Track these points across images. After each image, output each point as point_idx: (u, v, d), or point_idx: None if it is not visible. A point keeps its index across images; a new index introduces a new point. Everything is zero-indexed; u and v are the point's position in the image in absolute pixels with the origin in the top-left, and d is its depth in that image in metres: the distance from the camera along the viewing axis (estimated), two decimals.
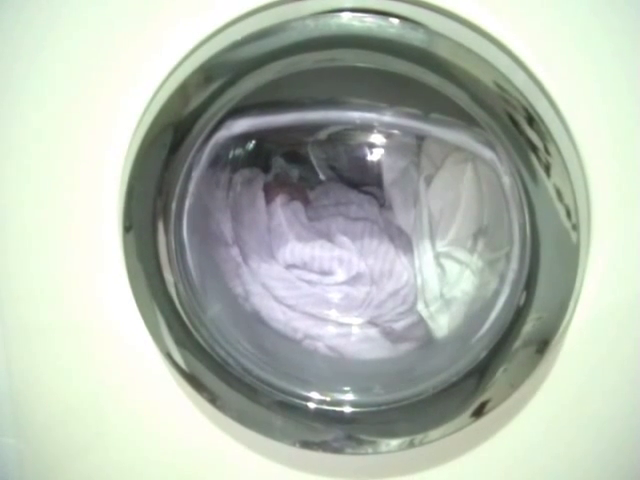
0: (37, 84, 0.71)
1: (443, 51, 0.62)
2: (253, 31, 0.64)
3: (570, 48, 0.65)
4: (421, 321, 0.88)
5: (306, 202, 0.95)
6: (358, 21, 0.62)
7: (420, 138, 0.89)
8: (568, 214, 0.66)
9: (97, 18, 0.68)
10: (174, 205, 0.72)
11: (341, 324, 0.90)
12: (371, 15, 0.62)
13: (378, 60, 0.64)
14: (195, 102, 0.66)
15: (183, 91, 0.66)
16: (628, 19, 0.64)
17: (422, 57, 0.62)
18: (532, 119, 0.63)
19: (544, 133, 0.64)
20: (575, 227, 0.66)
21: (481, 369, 0.74)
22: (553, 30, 0.64)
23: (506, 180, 0.72)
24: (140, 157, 0.68)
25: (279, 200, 0.91)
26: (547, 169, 0.65)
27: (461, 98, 0.64)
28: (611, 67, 0.65)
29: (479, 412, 0.75)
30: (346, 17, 0.62)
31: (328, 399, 0.79)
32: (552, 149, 0.64)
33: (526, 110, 0.63)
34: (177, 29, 0.67)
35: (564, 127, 0.66)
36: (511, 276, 0.73)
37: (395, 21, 0.62)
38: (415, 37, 0.62)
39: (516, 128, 0.64)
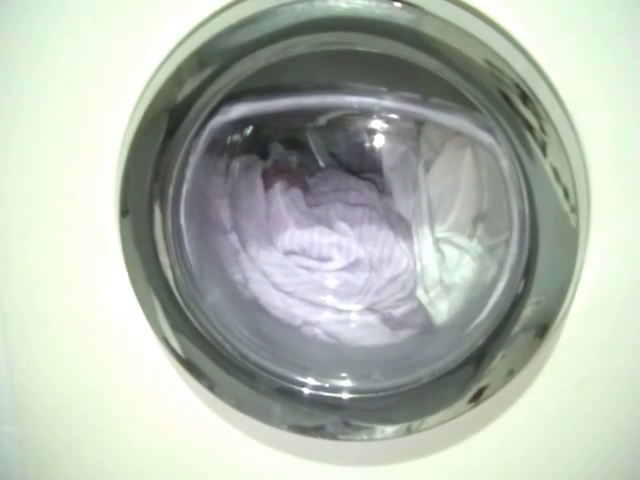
0: (34, 72, 0.71)
1: (432, 30, 0.62)
2: (244, 17, 0.63)
3: (567, 28, 0.64)
4: (420, 307, 0.88)
5: (305, 188, 0.95)
6: (345, 3, 0.61)
7: (419, 123, 0.89)
8: (566, 194, 0.65)
9: (93, 5, 0.68)
10: (171, 190, 0.72)
11: (340, 310, 0.90)
12: None
13: (368, 41, 0.64)
14: (189, 87, 0.66)
15: (177, 76, 0.66)
16: (627, 1, 0.64)
17: (410, 36, 0.62)
18: (526, 97, 0.63)
19: (539, 111, 0.63)
20: (574, 209, 0.66)
21: (479, 355, 0.74)
22: (550, 10, 0.64)
23: (504, 163, 0.71)
24: (136, 142, 0.69)
25: (278, 187, 0.91)
26: (543, 148, 0.64)
27: (454, 78, 0.63)
28: (609, 45, 0.64)
29: (477, 398, 0.74)
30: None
31: (326, 385, 0.79)
32: (548, 128, 0.64)
33: (519, 87, 0.62)
34: (172, 14, 0.67)
35: (561, 106, 0.66)
36: (510, 261, 0.73)
37: (382, 1, 0.61)
38: (402, 16, 0.61)
39: (510, 107, 0.63)
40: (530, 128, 0.64)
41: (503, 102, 0.63)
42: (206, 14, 0.67)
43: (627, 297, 0.73)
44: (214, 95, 0.68)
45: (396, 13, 0.62)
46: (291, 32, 0.64)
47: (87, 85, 0.71)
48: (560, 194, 0.65)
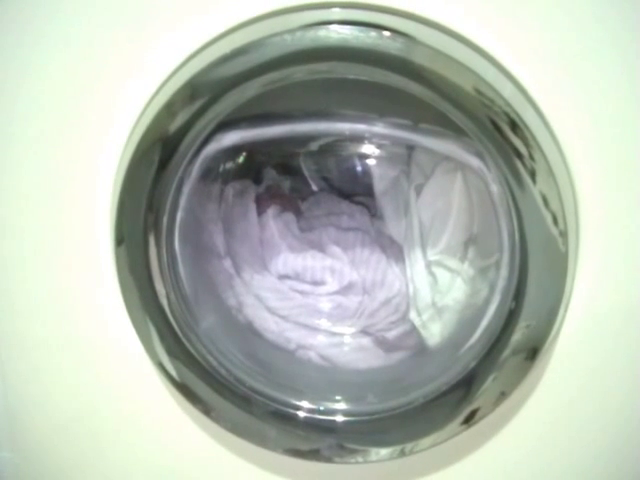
0: (26, 102, 0.72)
1: (421, 59, 0.63)
2: (235, 48, 0.64)
3: (555, 56, 0.65)
4: (413, 330, 0.88)
5: (298, 213, 0.95)
6: (335, 33, 0.62)
7: (410, 148, 0.89)
8: (555, 221, 0.66)
9: (84, 36, 0.69)
10: (165, 219, 0.72)
11: (334, 334, 0.90)
12: (348, 26, 0.62)
13: (359, 70, 0.64)
14: (182, 118, 0.67)
15: (170, 107, 0.67)
16: (614, 28, 0.65)
17: (400, 65, 0.63)
18: (515, 125, 0.64)
19: (528, 139, 0.64)
20: (563, 234, 0.66)
21: (471, 378, 0.74)
22: (538, 39, 0.65)
23: (494, 188, 0.72)
24: (130, 173, 0.69)
25: (271, 211, 0.91)
26: (532, 175, 0.65)
27: (444, 106, 0.64)
28: (597, 73, 0.66)
29: (469, 420, 0.74)
30: (323, 30, 0.63)
31: (321, 408, 0.79)
32: (537, 155, 0.65)
33: (508, 116, 0.64)
34: (164, 46, 0.68)
35: (550, 134, 0.67)
36: (501, 284, 0.74)
37: (372, 31, 0.62)
38: (392, 46, 0.62)
39: (500, 134, 0.64)
40: (520, 156, 0.65)
41: (493, 130, 0.64)
42: (197, 45, 0.67)
43: (616, 320, 0.74)
44: (206, 125, 0.68)
45: (386, 42, 0.63)
46: (282, 62, 0.64)
47: (80, 117, 0.72)
48: (549, 220, 0.66)
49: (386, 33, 0.63)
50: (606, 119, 0.67)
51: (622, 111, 0.67)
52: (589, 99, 0.66)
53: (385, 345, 0.89)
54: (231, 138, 0.76)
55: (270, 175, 0.96)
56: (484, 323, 0.75)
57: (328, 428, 0.79)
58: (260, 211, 0.92)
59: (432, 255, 0.87)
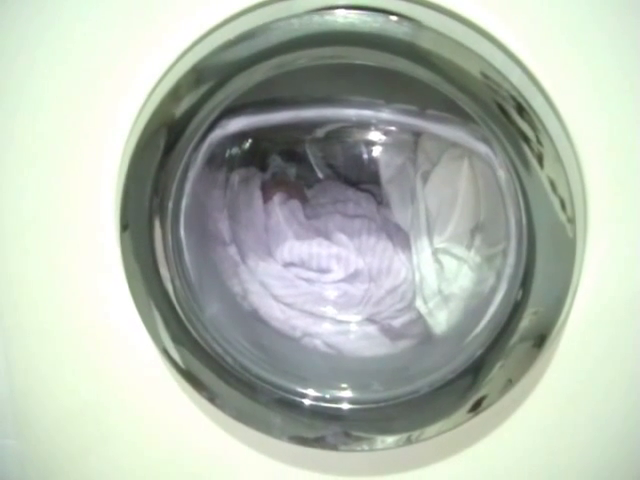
0: (33, 88, 0.72)
1: (428, 43, 0.62)
2: (241, 32, 0.64)
3: (563, 40, 0.65)
4: (420, 318, 0.89)
5: (304, 200, 0.95)
6: (342, 17, 0.62)
7: (417, 135, 0.89)
8: (563, 206, 0.66)
9: (90, 22, 0.69)
10: (170, 204, 0.72)
11: (340, 321, 0.90)
12: (355, 11, 0.62)
13: (365, 55, 0.64)
14: (187, 103, 0.67)
15: (176, 92, 0.66)
16: (621, 11, 0.64)
17: (407, 50, 0.63)
18: (522, 109, 0.63)
19: (535, 123, 0.64)
20: (571, 220, 0.66)
21: (478, 365, 0.74)
22: (545, 23, 0.64)
23: (501, 174, 0.72)
24: (135, 158, 0.69)
25: (277, 199, 0.91)
26: (540, 160, 0.65)
27: (450, 91, 0.64)
28: (604, 57, 0.65)
29: (476, 408, 0.74)
30: (330, 14, 0.62)
31: (326, 396, 0.79)
32: (544, 140, 0.64)
33: (515, 100, 0.63)
34: (170, 31, 0.68)
35: (557, 119, 0.66)
36: (508, 271, 0.73)
37: (379, 15, 0.62)
38: (399, 30, 0.62)
39: (507, 119, 0.64)
40: (526, 140, 0.64)
41: (499, 114, 0.64)
42: (203, 30, 0.67)
43: (624, 307, 0.73)
44: (212, 110, 0.68)
45: (393, 27, 0.62)
46: (288, 47, 0.64)
47: (86, 102, 0.72)
48: (557, 205, 0.66)
49: (393, 17, 0.62)
50: (614, 104, 0.66)
51: (631, 97, 0.66)
52: (597, 84, 0.66)
53: (391, 333, 0.89)
54: (237, 124, 0.76)
55: (276, 162, 0.96)
56: (491, 311, 0.75)
57: (334, 416, 0.79)
58: (266, 198, 0.92)
59: (439, 243, 0.87)
